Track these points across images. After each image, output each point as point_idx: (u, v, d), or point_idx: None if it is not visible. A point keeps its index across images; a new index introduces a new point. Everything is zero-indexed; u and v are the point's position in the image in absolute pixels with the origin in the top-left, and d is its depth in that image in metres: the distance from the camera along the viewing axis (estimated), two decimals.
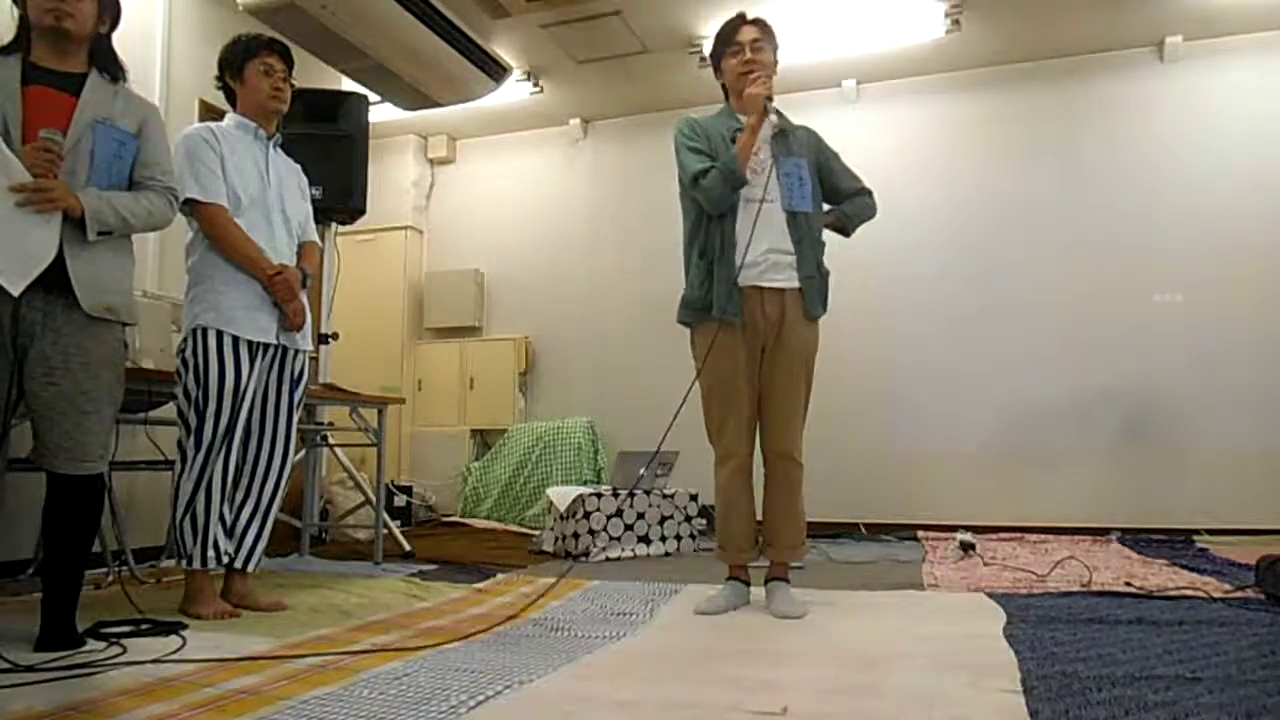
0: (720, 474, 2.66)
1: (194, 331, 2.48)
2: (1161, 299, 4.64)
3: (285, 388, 2.65)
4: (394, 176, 6.09)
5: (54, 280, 1.98)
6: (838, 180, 2.76)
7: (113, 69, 2.18)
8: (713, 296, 2.58)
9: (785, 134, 2.67)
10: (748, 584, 2.69)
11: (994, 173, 5.00)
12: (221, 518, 2.51)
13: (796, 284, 2.59)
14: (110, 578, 2.91)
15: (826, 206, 2.78)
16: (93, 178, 2.07)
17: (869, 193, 2.80)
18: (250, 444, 2.59)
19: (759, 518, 2.70)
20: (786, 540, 2.61)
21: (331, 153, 3.82)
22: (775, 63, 2.70)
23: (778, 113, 2.62)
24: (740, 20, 2.69)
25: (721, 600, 2.59)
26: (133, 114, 2.18)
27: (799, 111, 2.89)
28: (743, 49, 2.64)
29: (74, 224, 2.00)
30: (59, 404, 2.01)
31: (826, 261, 2.68)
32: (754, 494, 2.69)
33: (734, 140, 2.58)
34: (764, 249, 2.58)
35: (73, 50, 2.10)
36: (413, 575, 3.29)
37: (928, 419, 4.92)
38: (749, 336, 2.60)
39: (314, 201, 2.92)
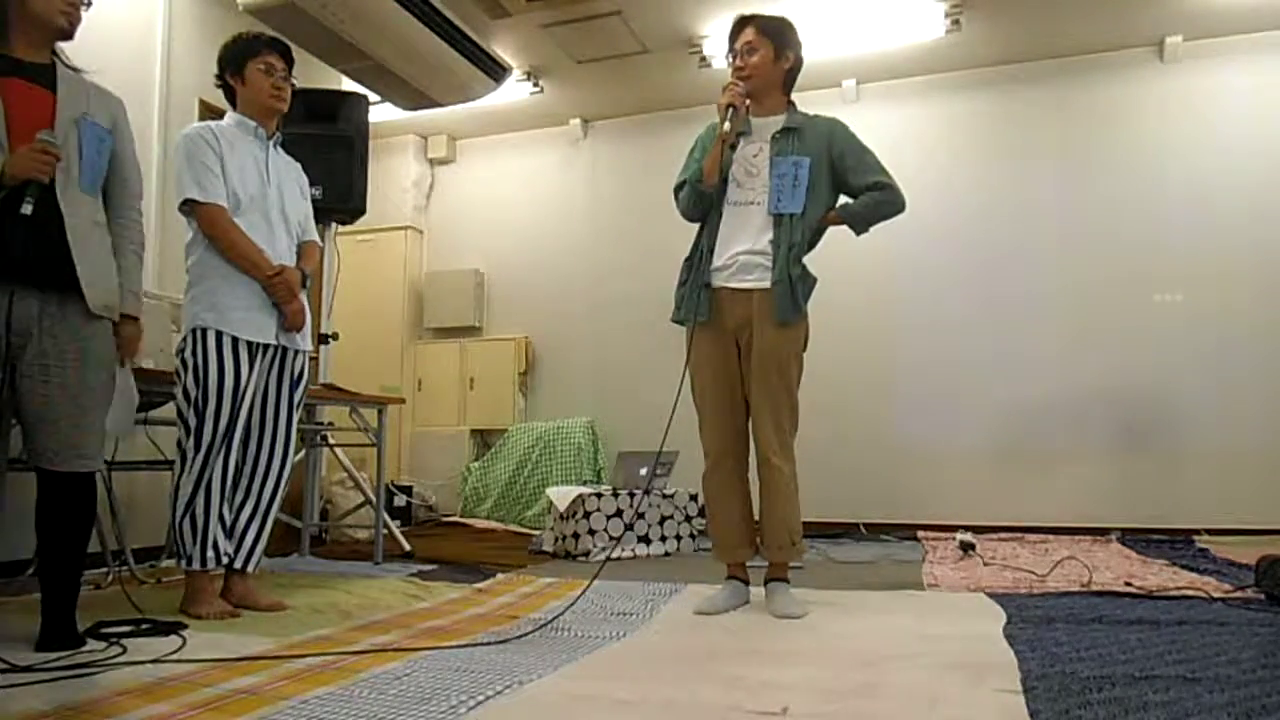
0: (704, 472, 2.71)
1: (193, 331, 2.48)
2: (1162, 299, 4.64)
3: (285, 388, 2.64)
4: (394, 176, 6.09)
5: (49, 279, 1.98)
6: (850, 176, 2.63)
7: (66, 60, 2.17)
8: (684, 297, 2.66)
9: (794, 131, 2.63)
10: (747, 584, 2.69)
11: (994, 172, 5.00)
12: (221, 518, 2.51)
13: (768, 285, 2.56)
14: (110, 578, 2.91)
15: (844, 200, 2.69)
16: (83, 175, 2.07)
17: (888, 188, 2.60)
18: (250, 444, 2.59)
19: (757, 518, 2.71)
20: (773, 541, 2.60)
21: (331, 153, 3.82)
22: (782, 57, 2.64)
23: (742, 120, 2.58)
24: (738, 24, 2.68)
25: (721, 600, 2.59)
26: (105, 109, 2.18)
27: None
28: (736, 55, 2.65)
29: (80, 223, 2.02)
30: (59, 401, 2.01)
31: (819, 263, 2.63)
32: (746, 493, 2.69)
33: (732, 147, 2.62)
34: (736, 251, 2.59)
35: (50, 45, 2.10)
36: (413, 575, 3.28)
37: (928, 418, 4.92)
38: (721, 337, 2.63)
39: (314, 201, 2.92)
